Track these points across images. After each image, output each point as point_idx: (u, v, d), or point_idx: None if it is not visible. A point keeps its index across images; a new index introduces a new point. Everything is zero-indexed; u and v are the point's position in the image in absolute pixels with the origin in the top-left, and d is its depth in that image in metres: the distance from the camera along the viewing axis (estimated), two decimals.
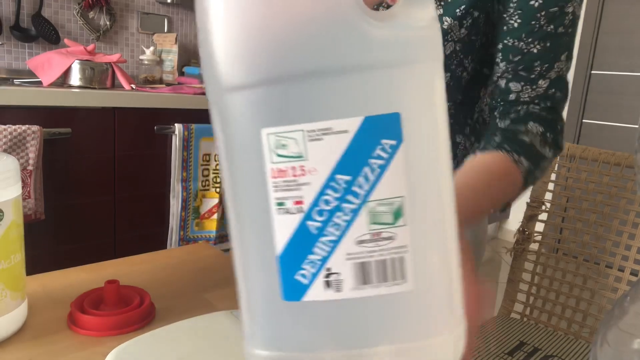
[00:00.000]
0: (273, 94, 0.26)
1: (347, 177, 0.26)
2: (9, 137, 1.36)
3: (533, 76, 0.60)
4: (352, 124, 0.25)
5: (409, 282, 0.26)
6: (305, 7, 0.25)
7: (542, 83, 0.60)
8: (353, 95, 0.25)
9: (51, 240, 1.54)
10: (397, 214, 0.26)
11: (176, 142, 1.70)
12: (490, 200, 0.53)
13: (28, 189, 1.40)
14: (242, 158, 0.27)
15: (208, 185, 1.82)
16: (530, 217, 1.23)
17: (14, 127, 1.37)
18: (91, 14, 2.09)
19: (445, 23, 0.58)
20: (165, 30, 2.30)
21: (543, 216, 1.24)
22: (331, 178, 0.26)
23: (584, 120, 3.18)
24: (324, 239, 0.26)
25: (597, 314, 1.14)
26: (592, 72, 3.12)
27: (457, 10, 0.59)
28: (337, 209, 0.26)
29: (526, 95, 0.61)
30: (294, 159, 0.26)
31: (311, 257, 0.26)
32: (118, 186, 1.65)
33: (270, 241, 0.27)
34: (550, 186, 1.23)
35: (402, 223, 0.26)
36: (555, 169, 1.23)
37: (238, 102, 0.27)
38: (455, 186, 0.47)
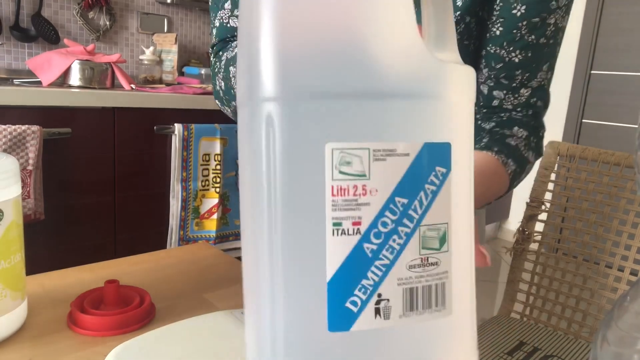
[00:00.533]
0: (345, 107, 0.25)
1: (405, 200, 0.26)
2: (8, 137, 1.36)
3: (515, 85, 0.61)
4: (414, 148, 0.25)
5: (448, 309, 0.27)
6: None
7: (524, 92, 0.61)
8: (417, 120, 0.26)
9: (51, 240, 1.54)
10: (443, 240, 0.26)
11: (176, 142, 1.70)
12: (477, 198, 0.54)
13: (28, 189, 1.40)
14: (296, 171, 0.25)
15: (208, 185, 1.82)
16: (530, 217, 1.23)
17: (13, 127, 1.37)
18: (91, 14, 2.09)
19: None
20: (165, 30, 2.30)
21: (543, 216, 1.24)
22: (391, 200, 0.25)
23: (584, 120, 3.18)
24: (378, 262, 0.25)
25: (597, 314, 1.14)
26: (592, 72, 3.12)
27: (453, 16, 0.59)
28: (394, 231, 0.25)
29: (509, 103, 0.62)
30: (357, 177, 0.25)
31: (364, 282, 0.25)
32: (118, 186, 1.65)
33: (318, 265, 0.25)
34: (550, 186, 1.23)
35: (446, 249, 0.26)
36: (555, 169, 1.23)
37: (302, 112, 0.25)
38: None
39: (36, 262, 1.51)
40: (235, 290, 0.68)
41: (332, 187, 0.25)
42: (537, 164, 1.23)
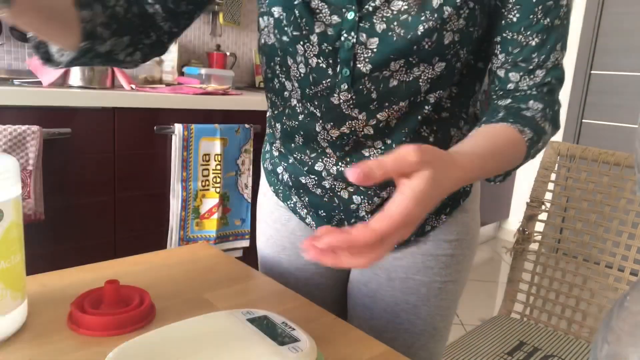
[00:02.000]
0: None
1: None
2: (8, 137, 1.36)
3: (531, 67, 0.64)
4: None
5: None
6: None
7: (540, 73, 0.64)
8: None
9: (51, 240, 1.54)
10: None
11: (176, 142, 1.70)
12: (496, 166, 0.56)
13: (28, 189, 1.40)
14: None
15: (208, 185, 1.82)
16: (530, 217, 1.23)
17: (13, 127, 1.37)
18: None
19: (445, 12, 0.59)
20: None
21: (543, 216, 1.24)
22: None
23: (584, 120, 3.18)
24: None
25: (597, 314, 1.14)
26: (592, 72, 3.12)
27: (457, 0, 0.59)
28: None
29: (524, 84, 0.65)
30: None
31: None
32: (118, 186, 1.65)
33: None
34: (550, 186, 1.23)
35: None
36: (555, 169, 1.23)
37: None
38: (463, 150, 0.52)
39: (36, 262, 1.51)
40: (235, 290, 0.68)
41: None
42: (537, 164, 1.22)
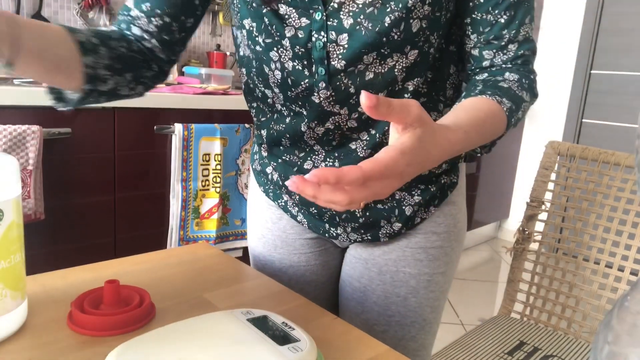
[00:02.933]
0: None
1: None
2: (8, 137, 1.36)
3: (503, 43, 0.66)
4: None
5: None
6: None
7: (512, 47, 0.67)
8: None
9: (51, 240, 1.54)
10: None
11: (176, 142, 1.70)
12: (479, 137, 0.57)
13: (28, 189, 1.40)
14: None
15: (208, 185, 1.82)
16: (530, 217, 1.23)
17: (13, 127, 1.37)
18: (91, 14, 2.09)
19: (410, 1, 0.60)
20: None
21: (543, 216, 1.24)
22: None
23: (583, 120, 3.18)
24: None
25: (597, 314, 1.14)
26: (592, 72, 3.12)
27: None
28: None
29: (499, 60, 0.68)
30: None
31: None
32: (118, 186, 1.65)
33: None
34: (550, 186, 1.23)
35: None
36: (555, 169, 1.23)
37: None
38: (447, 123, 0.53)
39: (36, 262, 1.51)
40: (235, 290, 0.68)
41: None
42: (538, 163, 1.22)
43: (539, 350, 1.07)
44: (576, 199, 1.19)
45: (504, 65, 0.68)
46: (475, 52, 0.69)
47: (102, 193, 1.62)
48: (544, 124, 3.37)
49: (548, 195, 1.23)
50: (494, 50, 0.67)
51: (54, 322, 0.56)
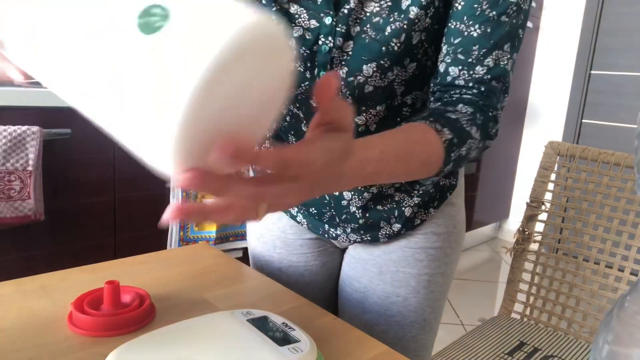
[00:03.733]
0: None
1: None
2: (8, 137, 1.36)
3: (470, 60, 0.60)
4: None
5: None
6: None
7: (480, 70, 0.60)
8: None
9: (51, 240, 1.54)
10: None
11: None
12: (402, 162, 0.51)
13: (28, 189, 1.40)
14: None
15: None
16: (530, 217, 1.23)
17: (13, 127, 1.37)
18: None
19: (412, 13, 0.59)
20: None
21: (543, 216, 1.24)
22: None
23: (583, 120, 3.18)
24: None
25: (597, 314, 1.14)
26: (592, 72, 3.12)
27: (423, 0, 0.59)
28: None
29: (461, 80, 0.60)
30: None
31: None
32: (118, 186, 1.65)
33: None
34: (550, 186, 1.23)
35: None
36: (555, 169, 1.23)
37: None
38: (372, 148, 0.47)
39: (36, 263, 1.51)
40: (236, 290, 0.68)
41: None
42: (538, 164, 1.23)
43: (539, 350, 1.07)
44: (576, 199, 1.19)
45: (464, 90, 0.61)
46: (442, 66, 0.62)
47: (102, 193, 1.62)
48: (544, 124, 3.37)
49: (548, 196, 1.23)
50: (459, 67, 0.60)
51: (54, 323, 0.56)
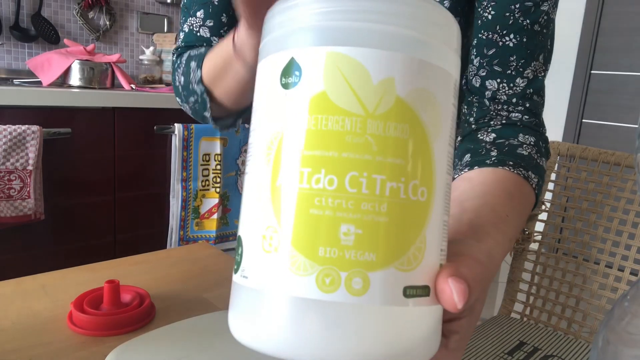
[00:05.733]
0: None
1: None
2: (8, 137, 1.36)
3: (509, 72, 0.56)
4: None
5: None
6: None
7: (520, 82, 0.56)
8: None
9: (51, 240, 1.54)
10: None
11: (176, 142, 1.70)
12: (516, 229, 0.43)
13: (28, 189, 1.40)
14: None
15: (208, 185, 1.82)
16: (530, 217, 1.23)
17: (13, 127, 1.37)
18: (91, 14, 2.09)
19: None
20: (165, 30, 2.30)
21: (543, 216, 1.24)
22: None
23: (583, 120, 3.18)
24: None
25: (597, 314, 1.14)
26: (592, 72, 3.12)
27: None
28: None
29: (503, 94, 0.57)
30: None
31: None
32: (118, 186, 1.65)
33: None
34: (550, 186, 1.23)
35: None
36: (555, 169, 1.23)
37: None
38: (477, 212, 0.39)
39: (36, 262, 1.51)
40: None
41: None
42: None
43: (539, 350, 1.07)
44: (576, 199, 1.19)
45: (510, 109, 0.56)
46: (477, 81, 0.58)
47: (102, 193, 1.62)
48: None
49: (548, 196, 1.23)
50: (498, 81, 0.56)
51: (54, 322, 0.56)
